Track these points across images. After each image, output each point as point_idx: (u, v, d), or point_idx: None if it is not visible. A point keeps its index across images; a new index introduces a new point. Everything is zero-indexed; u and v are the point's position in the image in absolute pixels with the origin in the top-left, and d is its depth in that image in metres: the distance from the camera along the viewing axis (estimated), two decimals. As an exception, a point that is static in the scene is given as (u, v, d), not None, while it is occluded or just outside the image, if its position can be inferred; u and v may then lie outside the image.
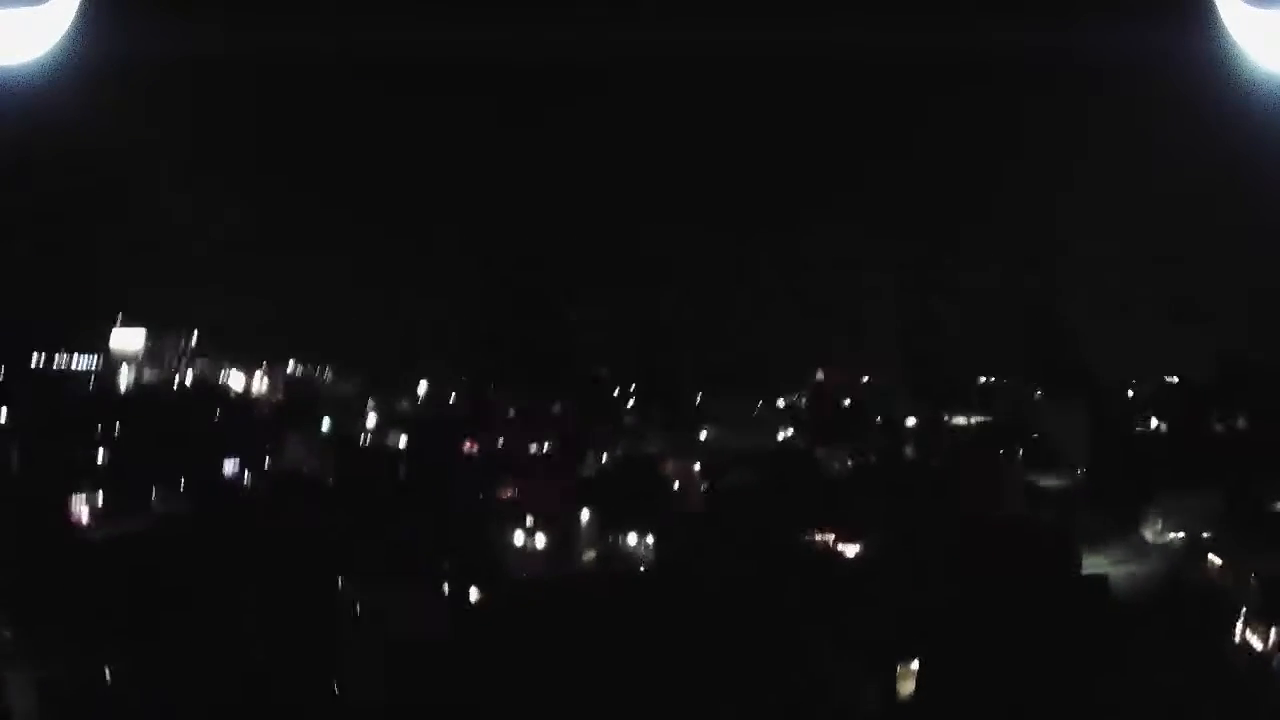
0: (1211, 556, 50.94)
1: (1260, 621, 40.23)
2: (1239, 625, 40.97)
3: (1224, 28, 10.90)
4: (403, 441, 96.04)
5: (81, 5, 11.46)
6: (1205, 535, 54.48)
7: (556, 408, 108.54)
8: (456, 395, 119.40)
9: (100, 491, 65.70)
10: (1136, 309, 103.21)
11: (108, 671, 36.94)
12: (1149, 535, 58.24)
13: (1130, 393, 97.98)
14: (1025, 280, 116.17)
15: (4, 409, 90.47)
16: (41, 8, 11.15)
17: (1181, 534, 56.63)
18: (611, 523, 61.53)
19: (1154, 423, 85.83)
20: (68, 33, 11.33)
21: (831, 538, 56.65)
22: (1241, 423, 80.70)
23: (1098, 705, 32.13)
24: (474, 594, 50.39)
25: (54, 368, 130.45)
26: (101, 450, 78.52)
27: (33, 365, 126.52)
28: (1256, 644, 39.84)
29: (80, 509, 61.97)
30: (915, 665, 37.51)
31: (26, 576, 45.86)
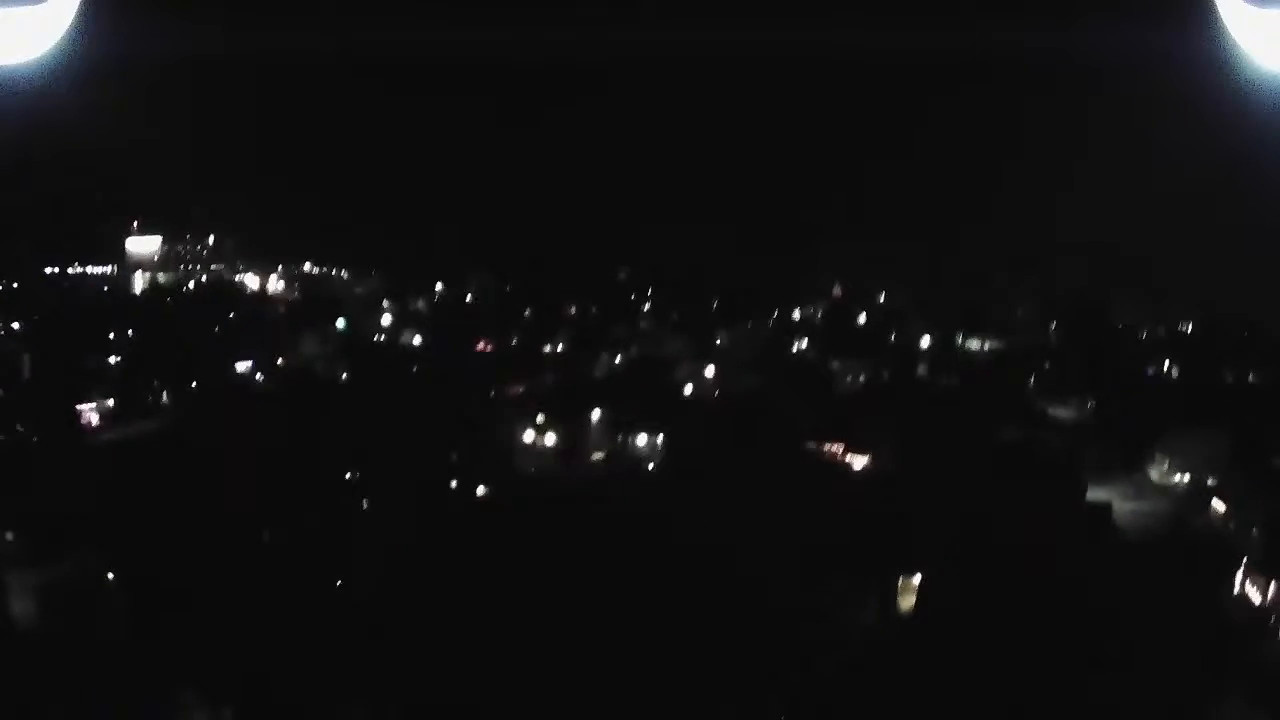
0: (1215, 502, 50.05)
1: (1260, 573, 39.59)
2: (1239, 575, 40.37)
3: (1224, 28, 10.90)
4: (417, 340, 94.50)
5: (81, 5, 11.46)
6: (1210, 481, 53.22)
7: (572, 308, 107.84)
8: (472, 294, 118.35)
9: (111, 396, 65.26)
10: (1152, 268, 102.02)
11: (109, 575, 36.86)
12: (1154, 475, 56.73)
13: (1144, 335, 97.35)
14: (1047, 229, 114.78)
15: (15, 317, 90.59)
16: (41, 8, 11.15)
17: (1187, 476, 55.54)
18: (622, 423, 60.34)
19: (1166, 366, 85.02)
20: (68, 32, 11.34)
21: (841, 448, 55.87)
22: (1251, 376, 79.76)
23: (1092, 630, 31.74)
24: (480, 491, 49.68)
25: (68, 275, 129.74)
26: (113, 354, 77.48)
27: (47, 273, 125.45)
28: (1255, 597, 39.17)
29: (90, 413, 61.81)
30: (916, 580, 37.23)
31: (32, 480, 45.64)
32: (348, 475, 49.33)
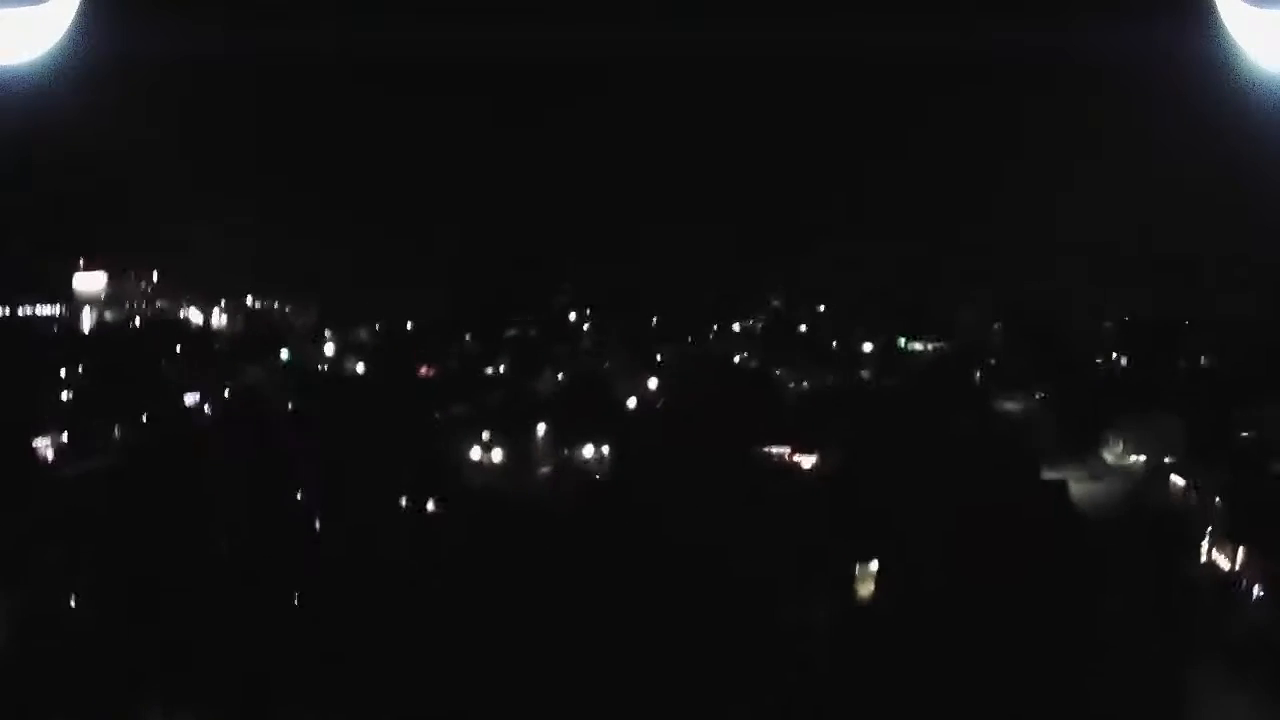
0: (1174, 478, 49.66)
1: (1227, 540, 39.53)
2: (1205, 545, 40.31)
3: (1224, 28, 10.93)
4: (360, 368, 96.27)
5: (81, 5, 11.48)
6: (1166, 460, 52.85)
7: (512, 331, 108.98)
8: (413, 324, 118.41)
9: (65, 431, 65.78)
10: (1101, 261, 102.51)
11: (72, 599, 37.38)
12: (1109, 457, 57.05)
13: (1093, 329, 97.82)
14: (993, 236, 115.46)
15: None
16: (41, 8, 11.17)
17: (1143, 457, 55.26)
18: (567, 436, 61.09)
19: (1114, 356, 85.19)
20: (68, 33, 11.36)
21: (788, 450, 56.12)
22: (1203, 360, 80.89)
23: (1060, 604, 31.73)
24: (430, 506, 50.24)
25: (16, 314, 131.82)
26: (66, 391, 78.14)
27: None
28: (1224, 564, 39.16)
29: (46, 449, 62.62)
30: (874, 567, 37.17)
31: None
32: (298, 496, 49.65)
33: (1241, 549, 38.79)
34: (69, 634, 34.64)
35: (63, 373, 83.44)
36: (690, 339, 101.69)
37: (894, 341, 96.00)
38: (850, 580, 37.27)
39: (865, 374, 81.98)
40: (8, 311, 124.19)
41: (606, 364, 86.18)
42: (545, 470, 59.35)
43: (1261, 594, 36.67)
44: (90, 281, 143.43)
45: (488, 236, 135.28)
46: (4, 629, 34.65)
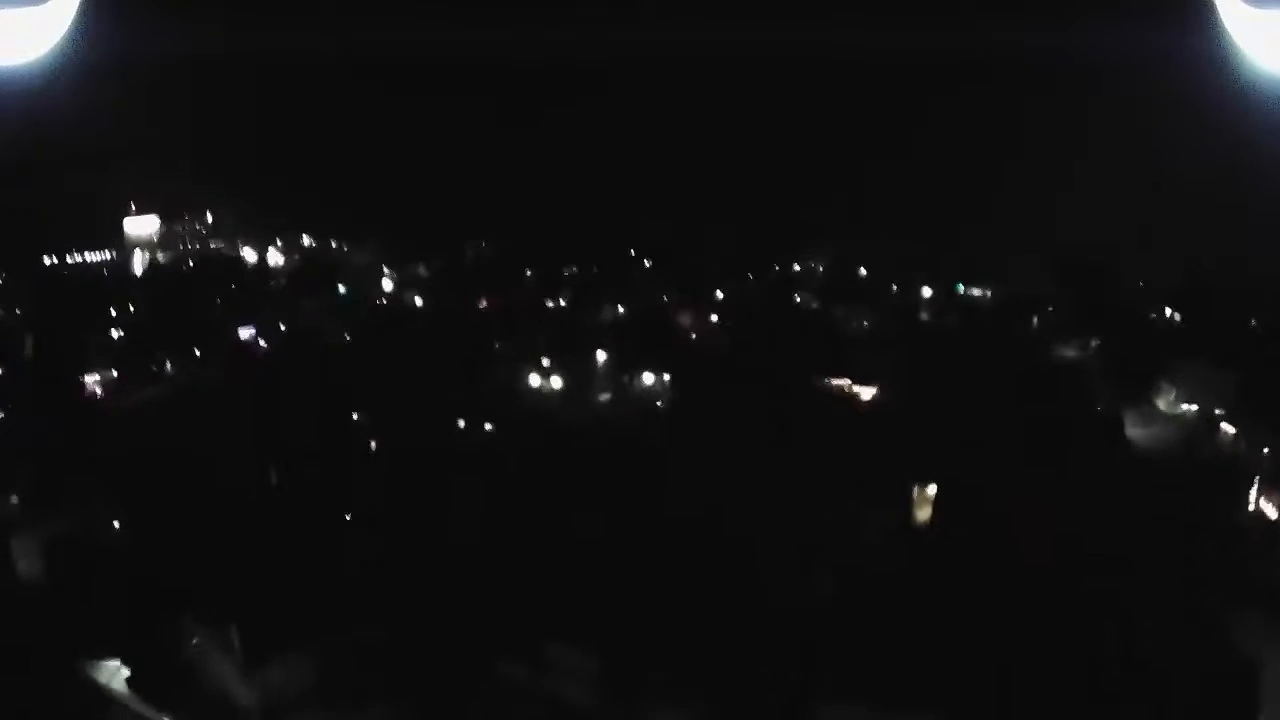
0: (1225, 427, 49.72)
1: (1275, 490, 39.73)
2: (1253, 493, 40.49)
3: (1224, 28, 10.90)
4: (419, 301, 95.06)
5: (81, 5, 11.47)
6: (1217, 411, 52.48)
7: (574, 268, 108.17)
8: (473, 258, 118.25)
9: (114, 368, 66.09)
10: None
11: (116, 526, 37.31)
12: (1162, 405, 56.38)
13: (1143, 284, 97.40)
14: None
15: (17, 304, 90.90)
16: (41, 8, 11.16)
17: (1194, 407, 55.05)
18: (627, 365, 60.53)
19: (1167, 311, 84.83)
20: (68, 33, 11.35)
21: (848, 382, 56.01)
22: (1254, 321, 79.43)
23: (1109, 539, 31.59)
24: (487, 427, 49.91)
25: (66, 264, 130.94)
26: (117, 329, 78.52)
27: (46, 264, 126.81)
28: (1271, 513, 39.36)
29: (94, 385, 62.71)
30: (932, 491, 36.95)
31: (39, 445, 46.39)
32: (355, 417, 49.36)
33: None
34: (111, 557, 34.74)
35: (113, 313, 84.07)
36: (751, 277, 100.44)
37: (952, 287, 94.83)
38: (908, 503, 37.18)
39: (924, 316, 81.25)
40: (58, 260, 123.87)
41: (666, 298, 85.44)
42: (604, 398, 58.69)
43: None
44: (142, 225, 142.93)
45: (547, 202, 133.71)
46: (38, 563, 34.88)
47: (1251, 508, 40.37)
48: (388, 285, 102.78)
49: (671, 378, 57.86)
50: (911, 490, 37.63)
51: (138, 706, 29.02)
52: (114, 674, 30.22)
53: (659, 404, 55.85)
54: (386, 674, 28.72)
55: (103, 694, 29.55)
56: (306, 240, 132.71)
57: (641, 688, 27.28)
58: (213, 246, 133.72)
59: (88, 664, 30.38)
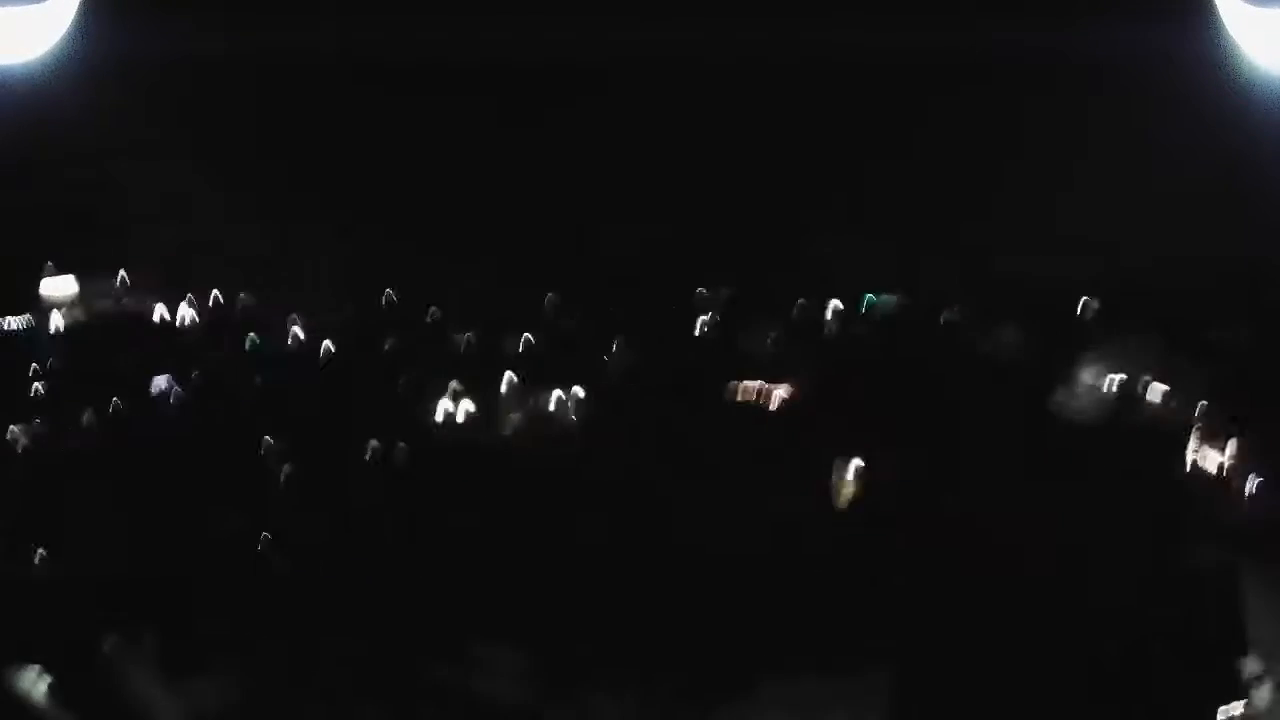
0: (1154, 386, 47.98)
1: (1213, 440, 38.74)
2: (1190, 447, 39.59)
3: (1224, 28, 10.93)
4: (327, 345, 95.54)
5: (81, 5, 11.46)
6: (1145, 378, 51.34)
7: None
8: (384, 301, 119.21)
9: (36, 419, 65.30)
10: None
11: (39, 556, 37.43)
12: (1087, 378, 55.40)
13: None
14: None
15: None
16: (41, 7, 11.14)
17: (1121, 375, 53.72)
18: (535, 385, 60.39)
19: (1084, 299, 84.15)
20: (68, 32, 11.33)
21: (759, 384, 54.31)
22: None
23: (1051, 505, 31.36)
24: (398, 453, 49.76)
25: None
26: (34, 385, 78.03)
27: None
28: (1209, 466, 38.53)
29: (18, 436, 62.76)
30: (855, 465, 36.68)
31: None
32: (262, 450, 49.33)
33: (1231, 443, 38.05)
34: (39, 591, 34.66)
35: (34, 368, 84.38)
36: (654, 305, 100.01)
37: (859, 299, 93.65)
38: (828, 479, 36.91)
39: (830, 326, 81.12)
40: None
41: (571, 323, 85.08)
42: (514, 417, 58.78)
43: (1259, 482, 36.03)
44: (58, 286, 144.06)
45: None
46: None
47: (1190, 461, 39.97)
48: (299, 332, 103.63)
49: (582, 395, 57.93)
50: (833, 471, 37.45)
51: (57, 715, 28.68)
52: (33, 684, 29.85)
53: (570, 418, 55.87)
54: (314, 687, 28.51)
55: (23, 705, 29.24)
56: (216, 295, 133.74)
57: (576, 677, 27.04)
58: (124, 303, 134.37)
59: (7, 671, 30.12)
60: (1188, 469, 39.43)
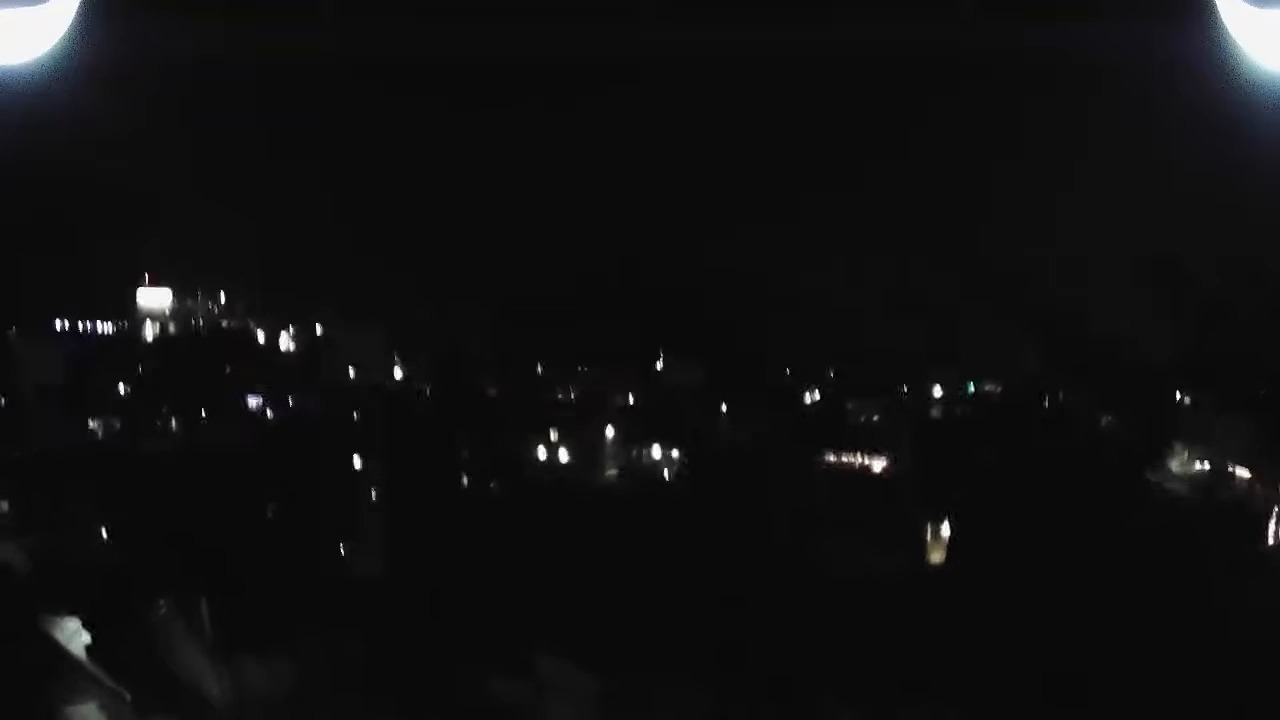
0: (1239, 472, 51.78)
1: None
2: (1272, 525, 41.48)
3: (1224, 28, 10.91)
4: (426, 388, 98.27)
5: (81, 5, 11.47)
6: (1232, 466, 54.14)
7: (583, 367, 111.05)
8: (483, 348, 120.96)
9: (118, 417, 68.43)
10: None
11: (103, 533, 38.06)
12: (1175, 467, 57.30)
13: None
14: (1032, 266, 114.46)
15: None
16: (41, 7, 11.16)
17: (1208, 464, 55.86)
18: (636, 438, 64.39)
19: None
20: (68, 33, 11.35)
21: (859, 456, 58.60)
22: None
23: (1132, 575, 32.21)
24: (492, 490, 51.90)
25: (78, 330, 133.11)
26: (124, 386, 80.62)
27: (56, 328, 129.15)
28: None
29: (98, 427, 64.75)
30: (945, 530, 37.98)
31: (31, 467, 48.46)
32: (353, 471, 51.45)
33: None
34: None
35: (123, 375, 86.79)
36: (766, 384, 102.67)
37: (962, 387, 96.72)
38: (922, 543, 38.08)
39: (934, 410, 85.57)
40: (68, 325, 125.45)
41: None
42: (612, 472, 62.80)
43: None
44: (155, 298, 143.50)
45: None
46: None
47: (1271, 540, 41.43)
48: (397, 371, 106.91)
49: (681, 454, 60.57)
50: (924, 532, 38.74)
51: (94, 670, 28.96)
52: (73, 635, 30.23)
53: (667, 474, 58.26)
54: (370, 688, 28.93)
55: (59, 651, 29.52)
56: (319, 329, 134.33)
57: (648, 704, 27.55)
58: (224, 325, 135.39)
59: (45, 619, 30.51)
60: (1267, 547, 40.57)
